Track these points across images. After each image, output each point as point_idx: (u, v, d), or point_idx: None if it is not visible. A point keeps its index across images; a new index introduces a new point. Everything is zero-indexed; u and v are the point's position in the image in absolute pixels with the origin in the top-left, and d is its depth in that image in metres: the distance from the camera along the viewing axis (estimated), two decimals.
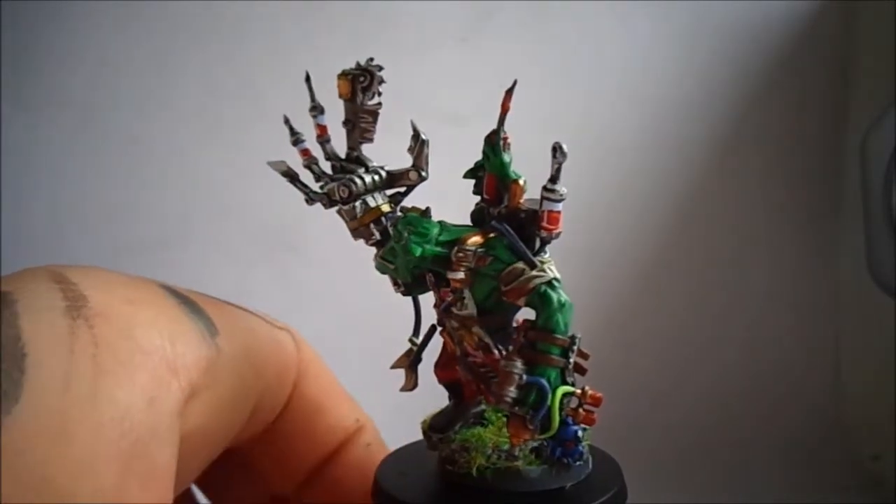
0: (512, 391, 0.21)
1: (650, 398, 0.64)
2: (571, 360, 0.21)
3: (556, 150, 0.21)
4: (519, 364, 0.21)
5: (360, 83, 0.24)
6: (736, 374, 0.65)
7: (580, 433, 0.22)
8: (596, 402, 0.21)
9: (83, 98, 0.61)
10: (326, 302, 0.61)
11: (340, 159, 0.25)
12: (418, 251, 0.22)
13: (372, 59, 0.24)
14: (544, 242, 0.22)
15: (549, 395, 0.20)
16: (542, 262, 0.21)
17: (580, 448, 0.22)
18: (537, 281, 0.21)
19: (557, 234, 0.22)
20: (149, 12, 0.60)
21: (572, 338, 0.21)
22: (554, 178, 0.21)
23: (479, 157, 0.23)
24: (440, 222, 0.23)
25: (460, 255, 0.22)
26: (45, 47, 0.60)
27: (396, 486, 0.23)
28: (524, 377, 0.21)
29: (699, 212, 0.65)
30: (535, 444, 0.22)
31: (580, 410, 0.21)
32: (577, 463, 0.22)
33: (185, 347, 0.20)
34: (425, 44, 0.62)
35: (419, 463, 0.24)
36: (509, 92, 0.21)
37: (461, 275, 0.22)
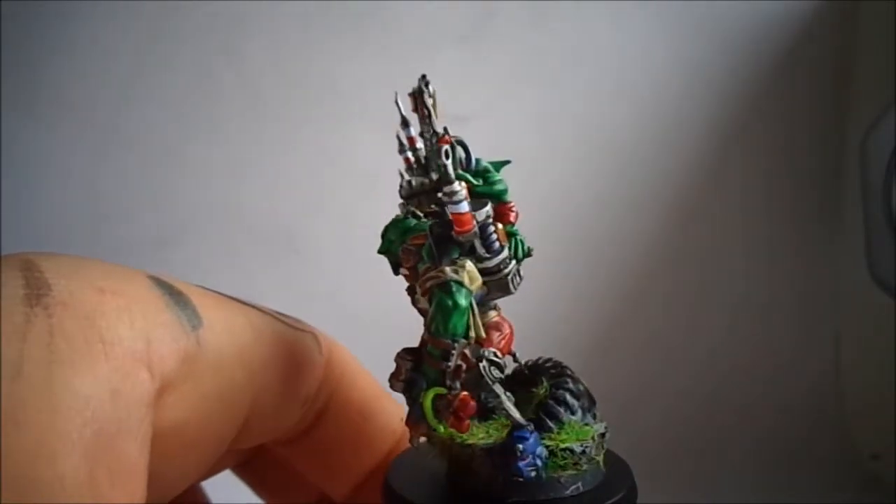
0: (399, 383, 0.22)
1: (648, 398, 0.64)
2: (451, 364, 0.21)
3: (438, 151, 0.21)
4: (409, 358, 0.22)
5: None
6: (735, 373, 0.65)
7: (522, 448, 0.21)
8: (463, 407, 0.21)
9: (83, 98, 0.61)
10: (330, 303, 0.61)
11: (421, 165, 0.27)
12: (384, 247, 0.24)
13: (423, 76, 0.25)
14: (461, 245, 0.22)
15: (421, 393, 0.21)
16: (456, 265, 0.22)
17: (520, 465, 0.21)
18: (430, 283, 0.21)
19: (470, 235, 0.22)
20: (149, 14, 0.60)
21: (453, 341, 0.21)
22: (444, 181, 0.21)
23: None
24: (416, 221, 0.24)
25: (401, 253, 0.23)
26: (46, 48, 0.60)
27: (399, 482, 0.23)
28: (408, 371, 0.22)
29: (698, 211, 0.65)
30: (488, 444, 0.22)
31: (450, 415, 0.21)
32: (516, 479, 0.21)
33: (159, 338, 0.20)
34: (425, 44, 0.62)
35: (427, 460, 0.24)
36: (412, 95, 0.23)
37: (406, 271, 0.23)
